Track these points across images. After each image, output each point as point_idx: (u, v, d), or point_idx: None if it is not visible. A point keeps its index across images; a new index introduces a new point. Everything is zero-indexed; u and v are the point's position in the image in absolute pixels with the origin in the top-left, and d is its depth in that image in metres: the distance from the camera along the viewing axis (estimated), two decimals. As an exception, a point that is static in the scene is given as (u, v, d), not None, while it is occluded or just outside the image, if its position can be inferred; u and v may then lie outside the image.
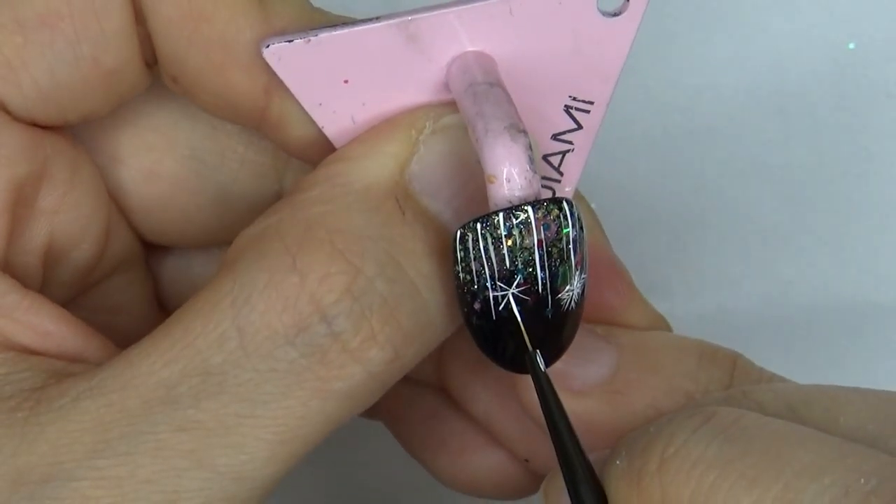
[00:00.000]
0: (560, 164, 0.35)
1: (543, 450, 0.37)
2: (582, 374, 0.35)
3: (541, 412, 0.31)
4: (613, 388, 0.35)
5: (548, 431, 0.31)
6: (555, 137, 0.34)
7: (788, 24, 0.54)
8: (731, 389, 0.34)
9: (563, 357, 0.33)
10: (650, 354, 0.35)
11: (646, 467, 0.29)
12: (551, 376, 0.31)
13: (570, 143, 0.34)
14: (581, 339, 0.34)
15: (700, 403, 0.33)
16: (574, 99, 0.34)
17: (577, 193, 0.36)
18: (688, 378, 0.35)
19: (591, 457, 0.30)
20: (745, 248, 0.56)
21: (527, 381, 0.32)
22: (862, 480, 0.27)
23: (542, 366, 0.31)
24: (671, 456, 0.29)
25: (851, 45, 0.54)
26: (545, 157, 0.34)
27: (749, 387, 0.33)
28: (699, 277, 0.56)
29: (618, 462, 0.30)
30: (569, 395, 0.34)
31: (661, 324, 0.38)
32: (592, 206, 0.38)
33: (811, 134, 0.55)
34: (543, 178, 0.35)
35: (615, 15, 0.32)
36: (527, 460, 0.38)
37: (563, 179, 0.35)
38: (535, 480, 0.39)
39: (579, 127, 0.34)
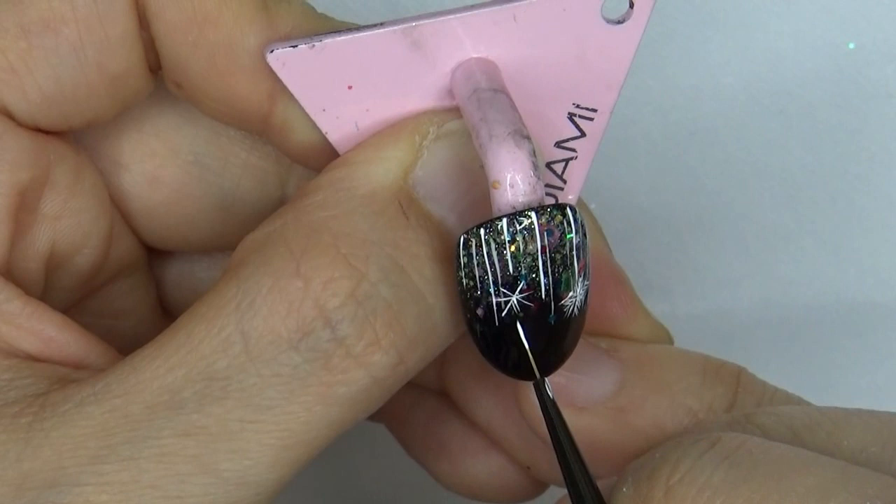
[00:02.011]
0: (563, 172, 0.35)
1: (545, 457, 0.37)
2: (585, 390, 0.35)
3: (540, 422, 0.31)
4: (617, 406, 0.35)
5: (556, 458, 0.31)
6: (558, 145, 0.34)
7: (788, 24, 0.53)
8: (734, 413, 0.34)
9: (567, 372, 0.33)
10: (654, 371, 0.35)
11: (652, 493, 0.29)
12: (554, 390, 0.32)
13: (574, 150, 0.34)
14: (584, 354, 0.34)
15: (704, 427, 0.33)
16: (578, 106, 0.34)
17: (578, 201, 0.36)
18: (692, 396, 0.35)
19: (600, 484, 0.30)
20: (745, 248, 0.56)
21: (527, 389, 0.32)
22: (867, 503, 0.27)
23: (550, 394, 0.31)
24: (677, 482, 0.29)
25: (851, 45, 0.54)
26: (548, 165, 0.34)
27: (752, 411, 0.33)
28: (699, 277, 0.56)
29: (624, 489, 0.30)
30: (572, 410, 0.35)
31: (662, 335, 0.38)
32: (592, 206, 0.38)
33: (811, 134, 0.55)
34: (546, 185, 0.35)
35: (619, 22, 0.32)
36: (528, 467, 0.38)
37: (567, 187, 0.35)
38: (535, 485, 0.39)
39: (583, 134, 0.34)
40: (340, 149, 0.34)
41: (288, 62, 0.32)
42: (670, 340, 0.38)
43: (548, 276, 0.31)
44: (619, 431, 0.35)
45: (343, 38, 0.32)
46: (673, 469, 0.29)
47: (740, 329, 0.56)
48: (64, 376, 0.32)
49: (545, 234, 0.30)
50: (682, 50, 0.53)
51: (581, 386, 0.35)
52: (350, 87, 0.33)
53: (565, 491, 0.31)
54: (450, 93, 0.33)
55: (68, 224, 0.35)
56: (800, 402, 0.35)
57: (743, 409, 0.34)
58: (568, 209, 0.31)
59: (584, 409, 0.35)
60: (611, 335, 0.37)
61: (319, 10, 0.34)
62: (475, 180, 0.32)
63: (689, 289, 0.56)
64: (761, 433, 0.30)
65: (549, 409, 0.31)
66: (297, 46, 0.32)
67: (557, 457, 0.31)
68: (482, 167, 0.31)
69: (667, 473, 0.29)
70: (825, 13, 0.53)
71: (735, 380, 0.35)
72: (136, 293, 0.38)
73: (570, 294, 0.31)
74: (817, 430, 0.31)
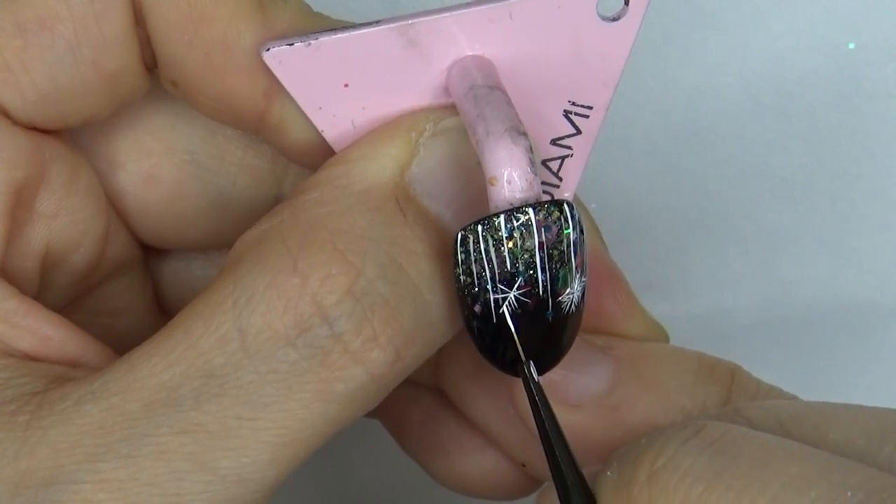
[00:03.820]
0: (559, 170, 0.35)
1: (540, 455, 0.37)
2: (579, 387, 0.35)
3: (524, 407, 0.31)
4: (610, 403, 0.35)
5: (540, 443, 0.31)
6: (554, 142, 0.34)
7: (788, 24, 0.53)
8: (724, 407, 0.34)
9: (561, 368, 0.33)
10: (648, 368, 0.35)
11: (635, 478, 0.29)
12: (548, 386, 0.32)
13: (570, 148, 0.34)
14: (579, 351, 0.34)
15: (693, 419, 0.33)
16: (573, 104, 0.34)
17: (575, 199, 0.36)
18: (685, 394, 0.35)
19: (586, 472, 0.30)
20: (745, 248, 0.56)
21: (522, 387, 0.32)
22: (848, 494, 0.27)
23: (535, 377, 0.31)
24: (660, 468, 0.29)
25: (851, 45, 0.54)
26: (544, 162, 0.34)
27: (741, 404, 0.33)
28: (699, 277, 0.56)
29: (609, 473, 0.30)
30: (565, 407, 0.35)
31: (659, 333, 0.38)
32: (592, 206, 0.38)
33: (811, 134, 0.55)
34: (542, 183, 0.35)
35: (614, 20, 0.32)
36: (523, 465, 0.38)
37: (562, 185, 0.35)
38: (531, 482, 0.39)
39: (578, 132, 0.34)
40: (337, 147, 0.34)
41: (284, 60, 0.32)
42: (666, 339, 0.38)
43: (545, 273, 0.31)
44: (612, 429, 0.35)
45: (339, 36, 0.32)
46: (657, 454, 0.29)
47: (740, 329, 0.56)
48: (61, 375, 0.32)
49: (542, 229, 0.30)
50: (682, 50, 0.53)
51: (575, 383, 0.35)
52: (346, 85, 0.33)
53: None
54: (446, 90, 0.33)
55: (64, 223, 0.35)
56: (793, 399, 0.35)
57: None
58: (565, 205, 0.31)
59: (578, 406, 0.35)
60: (607, 333, 0.37)
61: (317, 8, 0.34)
62: (472, 177, 0.32)
63: (689, 289, 0.56)
64: (748, 425, 0.30)
65: (534, 391, 0.31)
66: (293, 44, 0.32)
67: (542, 441, 0.31)
68: (479, 164, 0.31)
69: (651, 459, 0.29)
70: (825, 13, 0.53)
71: (729, 378, 0.35)
72: (132, 291, 0.38)
73: (568, 290, 0.31)
74: (804, 422, 0.31)
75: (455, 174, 0.33)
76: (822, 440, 0.30)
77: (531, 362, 0.31)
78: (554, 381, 0.35)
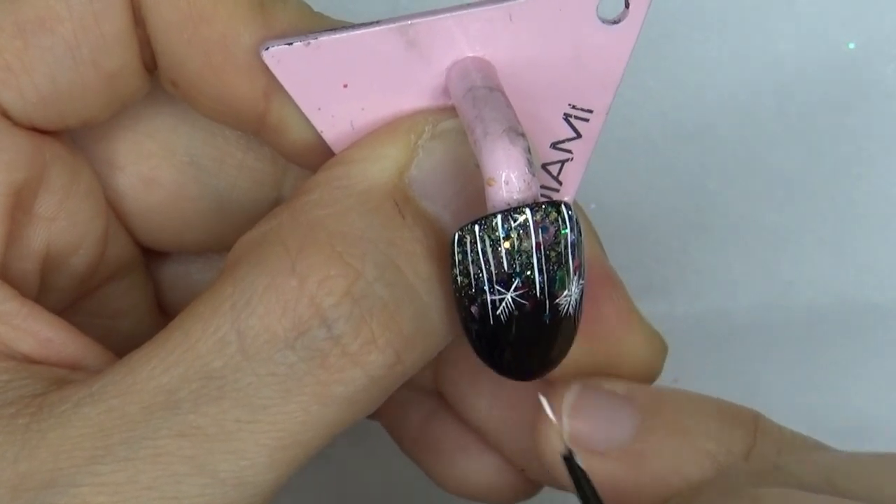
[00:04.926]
0: (559, 174, 0.35)
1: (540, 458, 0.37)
2: (604, 437, 0.35)
3: (552, 458, 0.31)
4: (635, 451, 0.35)
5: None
6: (554, 146, 0.34)
7: (788, 24, 0.54)
8: (760, 462, 0.33)
9: (586, 419, 0.32)
10: (671, 414, 0.35)
11: None
12: (574, 436, 0.31)
13: (570, 151, 0.34)
14: (602, 400, 0.34)
15: (727, 474, 0.32)
16: (573, 107, 0.34)
17: (574, 204, 0.36)
18: (710, 439, 0.34)
19: None
20: (745, 248, 0.56)
21: (544, 423, 0.32)
22: None
23: (580, 463, 0.31)
24: None
25: (851, 45, 0.54)
26: (544, 166, 0.34)
27: (782, 460, 0.32)
28: (699, 278, 0.56)
29: None
30: (591, 455, 0.34)
31: (656, 341, 0.37)
32: (592, 207, 0.38)
33: (811, 134, 0.55)
34: (542, 187, 0.35)
35: (615, 23, 0.32)
36: (523, 469, 0.38)
37: (562, 189, 0.35)
38: (530, 486, 0.39)
39: (578, 136, 0.34)
40: (336, 148, 0.34)
41: (283, 59, 0.32)
42: (665, 348, 0.38)
43: (542, 274, 0.31)
44: (639, 476, 0.34)
45: (338, 35, 0.32)
46: None
47: (740, 329, 0.56)
48: (61, 378, 0.32)
49: (540, 230, 0.30)
50: (682, 50, 0.53)
51: (600, 433, 0.35)
52: (345, 86, 0.33)
53: (559, 492, 0.31)
54: (445, 91, 0.33)
55: (64, 225, 0.35)
56: (817, 444, 0.35)
57: (763, 455, 0.34)
58: (563, 206, 0.30)
59: (604, 454, 0.35)
60: (605, 341, 0.37)
61: (317, 8, 0.34)
62: (470, 179, 0.32)
63: (689, 289, 0.56)
64: (797, 484, 0.30)
65: (582, 481, 0.31)
66: (292, 44, 0.32)
67: None
68: (477, 165, 0.31)
69: None
70: (825, 13, 0.53)
71: (753, 424, 0.35)
72: (132, 294, 0.38)
73: (565, 293, 0.31)
74: (855, 478, 0.30)
75: (454, 176, 0.33)
76: (877, 494, 0.30)
77: (571, 451, 0.31)
78: (580, 431, 0.34)
